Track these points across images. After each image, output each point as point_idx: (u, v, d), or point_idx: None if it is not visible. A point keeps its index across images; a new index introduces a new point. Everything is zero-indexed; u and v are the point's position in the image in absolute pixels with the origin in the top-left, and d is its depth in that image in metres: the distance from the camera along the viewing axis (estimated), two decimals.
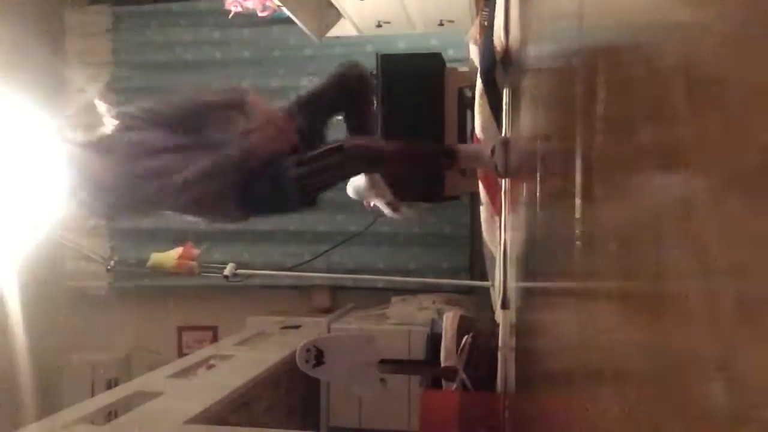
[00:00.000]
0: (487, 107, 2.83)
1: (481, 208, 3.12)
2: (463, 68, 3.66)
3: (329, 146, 2.32)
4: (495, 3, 2.47)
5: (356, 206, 4.14)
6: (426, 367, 2.75)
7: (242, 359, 3.84)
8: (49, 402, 4.40)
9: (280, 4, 3.59)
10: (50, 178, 2.47)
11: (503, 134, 2.43)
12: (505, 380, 2.12)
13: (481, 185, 3.06)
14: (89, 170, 2.33)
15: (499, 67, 2.36)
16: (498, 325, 2.54)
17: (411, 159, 2.42)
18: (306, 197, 2.35)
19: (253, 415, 3.43)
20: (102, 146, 2.33)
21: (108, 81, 5.15)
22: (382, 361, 2.67)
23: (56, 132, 2.47)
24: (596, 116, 0.60)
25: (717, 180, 0.31)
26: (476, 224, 3.52)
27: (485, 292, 3.80)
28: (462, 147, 2.37)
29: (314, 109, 2.43)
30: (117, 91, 5.16)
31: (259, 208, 2.47)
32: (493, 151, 2.25)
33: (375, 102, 2.43)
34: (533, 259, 1.30)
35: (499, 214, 2.67)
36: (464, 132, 3.55)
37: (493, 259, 2.68)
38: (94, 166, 2.33)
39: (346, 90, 2.46)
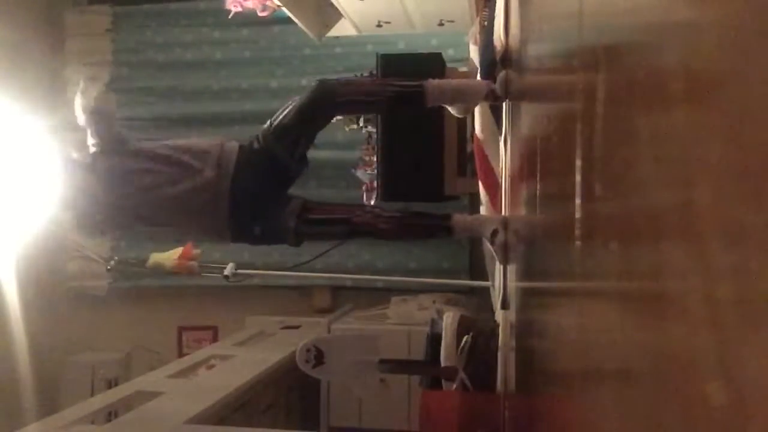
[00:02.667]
0: (487, 107, 2.83)
1: (481, 208, 3.12)
2: (463, 68, 3.66)
3: (336, 216, 2.40)
4: (495, 3, 2.47)
5: None
6: (426, 367, 2.74)
7: (242, 359, 3.85)
8: (49, 402, 4.40)
9: (280, 4, 3.59)
10: (48, 179, 2.50)
11: (503, 214, 2.49)
12: (505, 380, 2.12)
13: (481, 185, 3.06)
14: (83, 186, 2.43)
15: (499, 67, 2.36)
16: (498, 325, 2.54)
17: (409, 235, 2.56)
18: (297, 242, 2.45)
19: (253, 415, 3.43)
20: (96, 164, 2.43)
21: (108, 81, 5.15)
22: (382, 361, 2.67)
23: (55, 148, 2.57)
24: (596, 115, 0.60)
25: (717, 179, 0.31)
26: None
27: (485, 292, 3.80)
28: (459, 222, 2.39)
29: (293, 139, 2.46)
30: (117, 91, 5.15)
31: (247, 238, 2.57)
32: (494, 234, 2.26)
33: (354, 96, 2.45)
34: (533, 259, 1.30)
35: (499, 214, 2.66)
36: (464, 132, 3.55)
37: (493, 259, 2.68)
38: (89, 182, 2.42)
39: (316, 114, 2.49)
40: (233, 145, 2.48)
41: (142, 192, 2.39)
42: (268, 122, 2.46)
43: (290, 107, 2.43)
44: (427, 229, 2.47)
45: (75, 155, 2.48)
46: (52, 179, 2.47)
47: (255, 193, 2.41)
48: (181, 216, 2.45)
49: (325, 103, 2.43)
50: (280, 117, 2.43)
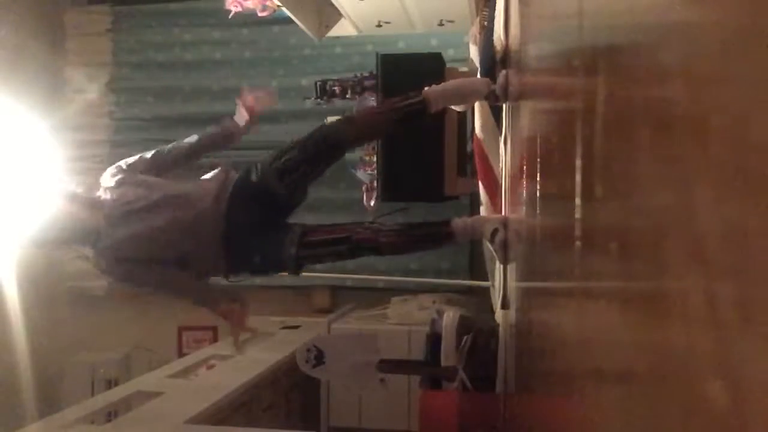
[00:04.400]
0: (487, 107, 2.83)
1: (481, 208, 3.12)
2: (463, 68, 3.66)
3: (337, 235, 2.38)
4: (495, 3, 2.47)
5: (355, 206, 4.14)
6: (426, 367, 2.74)
7: (242, 359, 3.84)
8: (49, 402, 4.40)
9: (280, 4, 3.59)
10: (46, 179, 2.50)
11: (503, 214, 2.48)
12: (505, 380, 2.13)
13: (481, 185, 3.06)
14: (86, 223, 2.38)
15: (499, 67, 2.36)
16: (498, 325, 2.54)
17: (411, 247, 2.53)
18: (298, 268, 2.44)
19: (253, 415, 3.43)
20: (95, 203, 2.40)
21: (108, 81, 5.15)
22: (382, 361, 2.67)
23: (56, 180, 2.54)
24: (596, 116, 0.60)
25: (717, 179, 0.31)
26: None
27: (485, 292, 3.80)
28: (459, 226, 2.38)
29: (296, 179, 2.43)
30: (117, 91, 5.16)
31: (245, 269, 2.55)
32: (494, 233, 2.25)
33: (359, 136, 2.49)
34: (533, 259, 1.30)
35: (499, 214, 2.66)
36: (464, 132, 3.55)
37: (493, 259, 2.68)
38: (85, 219, 2.38)
39: (324, 160, 2.48)
40: (233, 177, 2.46)
41: (144, 229, 2.35)
42: (270, 157, 2.42)
43: (295, 149, 2.40)
44: (429, 238, 2.46)
45: (80, 189, 2.44)
46: (50, 207, 2.42)
47: (250, 224, 2.38)
48: (180, 249, 2.39)
49: (333, 150, 2.44)
50: (285, 157, 2.39)
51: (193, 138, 2.57)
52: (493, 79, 2.40)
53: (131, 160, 2.50)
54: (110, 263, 2.42)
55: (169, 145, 2.59)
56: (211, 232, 2.36)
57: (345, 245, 2.36)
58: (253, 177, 2.40)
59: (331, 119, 3.83)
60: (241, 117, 2.54)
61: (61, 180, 2.54)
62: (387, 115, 2.42)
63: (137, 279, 2.52)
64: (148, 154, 2.53)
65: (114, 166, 2.49)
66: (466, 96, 2.50)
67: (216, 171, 2.50)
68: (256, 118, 2.56)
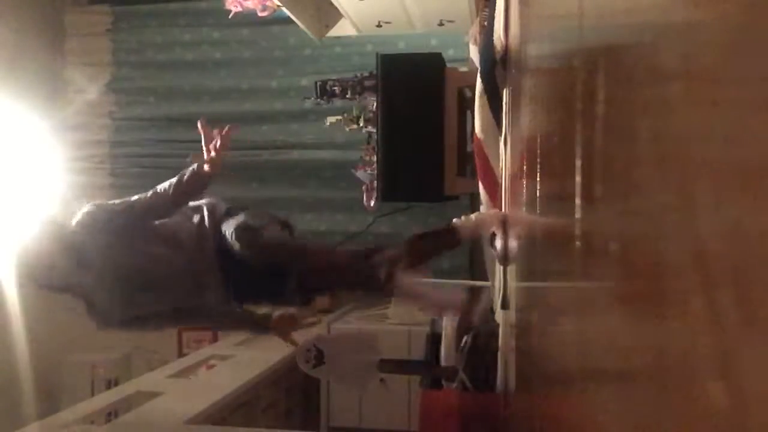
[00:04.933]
0: (487, 107, 2.83)
1: (481, 208, 3.11)
2: (463, 68, 3.66)
3: (336, 282, 2.45)
4: (495, 3, 2.47)
5: (356, 206, 4.14)
6: (426, 367, 2.74)
7: (242, 359, 3.85)
8: (49, 402, 4.40)
9: (280, 4, 3.59)
10: (46, 178, 2.48)
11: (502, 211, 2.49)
12: (505, 380, 2.12)
13: (480, 185, 3.06)
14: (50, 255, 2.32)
15: (499, 67, 2.36)
16: (498, 325, 2.53)
17: (419, 261, 2.51)
18: (306, 305, 2.51)
19: (253, 415, 3.43)
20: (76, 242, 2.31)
21: (108, 81, 5.15)
22: (382, 361, 2.67)
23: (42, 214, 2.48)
24: (596, 116, 0.60)
25: (717, 179, 0.31)
26: None
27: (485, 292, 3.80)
28: (460, 228, 2.41)
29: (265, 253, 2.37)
30: (117, 91, 5.16)
31: (252, 304, 2.57)
32: (494, 234, 2.27)
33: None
34: (533, 259, 1.30)
35: None
36: (464, 133, 3.55)
37: (493, 259, 2.68)
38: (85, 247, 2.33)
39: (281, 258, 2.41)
40: (220, 211, 2.41)
41: (153, 298, 2.34)
42: (244, 222, 2.33)
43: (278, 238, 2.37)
44: (434, 246, 2.49)
45: (61, 219, 2.33)
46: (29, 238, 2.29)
47: (246, 268, 2.35)
48: (190, 301, 2.41)
49: (291, 259, 2.38)
50: (262, 229, 2.33)
51: (159, 195, 2.34)
52: (493, 78, 2.40)
53: (99, 216, 2.31)
54: (129, 325, 2.43)
55: (137, 205, 2.35)
56: (213, 282, 2.38)
57: (346, 286, 2.39)
58: (226, 233, 2.33)
59: (331, 119, 3.84)
60: (210, 160, 2.31)
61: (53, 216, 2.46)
62: (357, 267, 2.40)
63: (171, 325, 2.55)
64: (117, 208, 2.34)
65: (87, 215, 2.31)
66: (432, 306, 2.51)
67: (203, 209, 2.42)
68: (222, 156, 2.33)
